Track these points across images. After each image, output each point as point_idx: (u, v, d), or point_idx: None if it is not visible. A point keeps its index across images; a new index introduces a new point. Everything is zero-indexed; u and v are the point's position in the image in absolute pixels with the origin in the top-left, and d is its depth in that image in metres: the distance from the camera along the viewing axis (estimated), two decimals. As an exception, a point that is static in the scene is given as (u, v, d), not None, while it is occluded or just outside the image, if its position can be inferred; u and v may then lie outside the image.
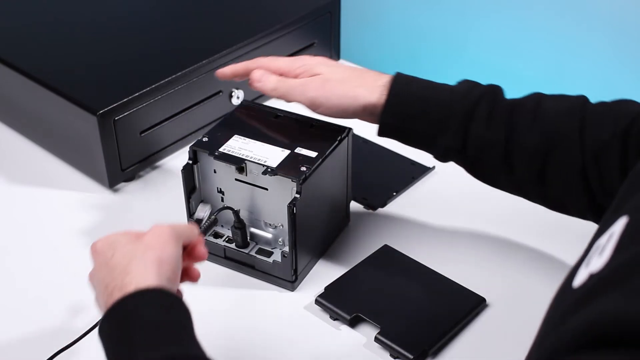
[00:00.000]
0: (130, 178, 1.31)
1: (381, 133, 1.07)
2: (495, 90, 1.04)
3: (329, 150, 1.08)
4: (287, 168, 1.05)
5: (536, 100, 1.03)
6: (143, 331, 0.78)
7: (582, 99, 1.02)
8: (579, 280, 0.62)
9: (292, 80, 1.08)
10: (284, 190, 1.06)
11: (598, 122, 0.98)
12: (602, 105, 1.01)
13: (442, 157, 1.06)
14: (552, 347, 0.58)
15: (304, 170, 1.04)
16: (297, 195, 1.03)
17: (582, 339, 0.55)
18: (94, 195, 1.28)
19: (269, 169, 1.05)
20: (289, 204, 1.03)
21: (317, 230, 1.13)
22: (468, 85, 1.04)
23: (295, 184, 1.03)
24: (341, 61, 1.61)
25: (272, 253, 1.12)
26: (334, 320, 1.06)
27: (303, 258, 1.10)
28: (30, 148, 1.39)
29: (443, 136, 1.03)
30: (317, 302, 1.07)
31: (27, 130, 1.42)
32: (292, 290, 1.10)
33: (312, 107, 1.07)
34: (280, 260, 1.09)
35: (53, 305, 1.10)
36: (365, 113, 1.06)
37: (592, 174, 0.98)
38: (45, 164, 1.36)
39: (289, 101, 1.09)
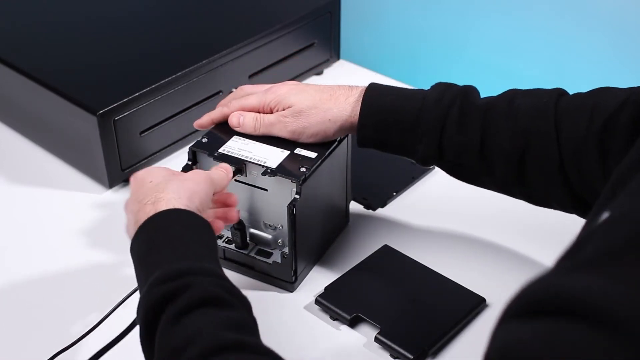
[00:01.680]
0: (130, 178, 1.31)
1: (360, 145, 1.08)
2: (467, 92, 1.03)
3: (329, 151, 1.08)
4: (286, 169, 1.05)
5: (509, 98, 1.02)
6: (171, 245, 0.87)
7: (557, 93, 1.01)
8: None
9: (269, 117, 1.09)
10: (284, 191, 1.06)
11: (573, 118, 0.97)
12: (577, 98, 1.00)
13: (423, 163, 1.06)
14: (499, 317, 0.60)
15: (303, 171, 1.04)
16: (297, 196, 1.03)
17: (512, 309, 0.59)
18: (94, 196, 1.28)
19: (269, 170, 1.05)
20: (289, 204, 1.03)
21: (316, 231, 1.13)
22: (440, 90, 1.04)
23: (295, 184, 1.03)
24: (340, 62, 1.61)
25: (271, 254, 1.12)
26: (334, 320, 1.06)
27: (303, 259, 1.10)
28: (30, 148, 1.39)
29: (419, 144, 1.03)
30: (317, 302, 1.07)
31: (27, 130, 1.42)
32: (292, 291, 1.10)
33: (294, 137, 1.08)
34: (279, 261, 1.09)
35: (53, 306, 1.10)
36: (345, 131, 1.08)
37: (571, 170, 0.97)
38: (45, 164, 1.36)
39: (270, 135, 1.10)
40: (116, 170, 1.28)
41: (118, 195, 1.28)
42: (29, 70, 1.33)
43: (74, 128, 1.28)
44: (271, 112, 1.09)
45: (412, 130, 1.03)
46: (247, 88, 1.16)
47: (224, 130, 1.12)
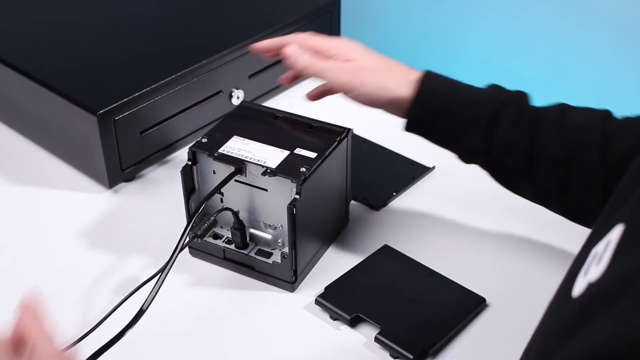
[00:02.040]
0: (130, 178, 1.31)
1: (408, 127, 1.08)
2: (521, 96, 1.05)
3: (329, 151, 1.08)
4: (286, 169, 1.05)
5: (561, 110, 1.03)
6: None
7: (606, 113, 1.02)
8: (578, 289, 0.62)
9: (327, 61, 1.09)
10: (284, 191, 1.06)
11: (621, 136, 0.98)
12: (626, 119, 1.01)
13: (466, 158, 1.07)
14: None
15: (303, 171, 1.04)
16: (297, 196, 1.03)
17: None
18: (94, 196, 1.28)
19: (269, 170, 1.05)
20: (289, 204, 1.03)
21: (316, 231, 1.13)
22: (495, 89, 1.05)
23: (294, 184, 1.03)
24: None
25: (271, 254, 1.12)
26: (334, 320, 1.06)
27: (303, 259, 1.10)
28: (30, 148, 1.39)
29: (467, 137, 1.04)
30: (317, 302, 1.07)
31: (27, 130, 1.42)
32: (292, 291, 1.10)
33: (343, 90, 1.08)
34: (279, 261, 1.09)
35: (52, 307, 1.10)
36: (393, 106, 1.07)
37: (614, 187, 0.97)
38: (45, 164, 1.36)
39: (320, 78, 1.09)
40: (116, 170, 1.28)
41: (118, 196, 1.28)
42: (28, 70, 1.33)
43: (73, 128, 1.28)
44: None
45: (463, 121, 1.04)
46: (311, 35, 1.14)
47: (224, 130, 1.12)
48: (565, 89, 1.53)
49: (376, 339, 1.01)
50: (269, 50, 1.14)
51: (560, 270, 1.12)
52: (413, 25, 1.73)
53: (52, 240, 1.20)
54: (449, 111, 1.05)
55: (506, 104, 1.03)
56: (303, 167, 1.05)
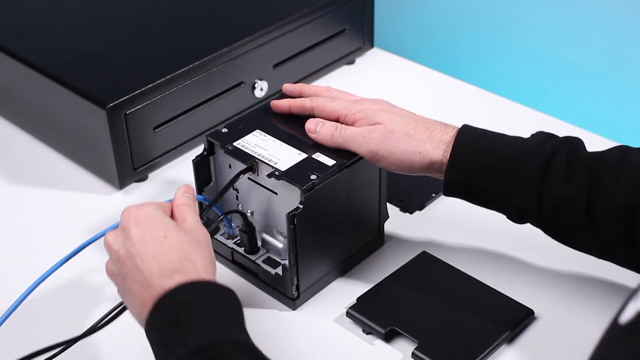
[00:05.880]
0: (142, 178, 1.32)
1: (447, 192, 1.06)
2: (573, 142, 1.02)
3: (350, 162, 1.07)
4: (295, 174, 1.03)
5: (622, 153, 1.00)
6: (198, 319, 0.84)
7: None
8: (626, 316, 0.62)
9: (351, 128, 1.07)
10: (292, 198, 1.04)
11: None
12: None
13: (516, 219, 1.05)
14: None
15: (312, 179, 1.02)
16: (300, 206, 1.02)
17: None
18: (103, 197, 1.29)
19: (276, 172, 1.04)
20: (289, 213, 1.02)
21: (332, 248, 1.12)
22: (543, 137, 1.03)
23: (300, 192, 1.02)
24: (374, 50, 1.61)
25: (279, 264, 1.11)
26: (367, 334, 1.06)
27: (309, 276, 1.09)
28: (34, 145, 1.41)
29: (515, 194, 1.02)
30: (348, 314, 1.07)
31: (31, 126, 1.43)
32: (294, 309, 1.10)
33: (373, 160, 1.06)
34: (281, 274, 1.09)
35: (57, 312, 1.11)
36: (431, 170, 1.06)
37: None
38: (50, 162, 1.37)
39: (346, 149, 1.07)
40: (127, 169, 1.29)
41: (129, 197, 1.29)
42: (32, 60, 1.34)
43: (81, 123, 1.29)
44: (352, 125, 1.08)
45: (508, 178, 1.02)
46: (335, 91, 1.15)
47: (249, 121, 1.12)
48: (622, 80, 1.51)
49: (413, 355, 1.01)
50: (289, 112, 1.13)
51: (616, 282, 1.11)
52: (454, 10, 1.72)
53: (58, 245, 1.20)
54: (491, 168, 1.02)
55: (556, 152, 1.00)
56: (314, 174, 1.03)
